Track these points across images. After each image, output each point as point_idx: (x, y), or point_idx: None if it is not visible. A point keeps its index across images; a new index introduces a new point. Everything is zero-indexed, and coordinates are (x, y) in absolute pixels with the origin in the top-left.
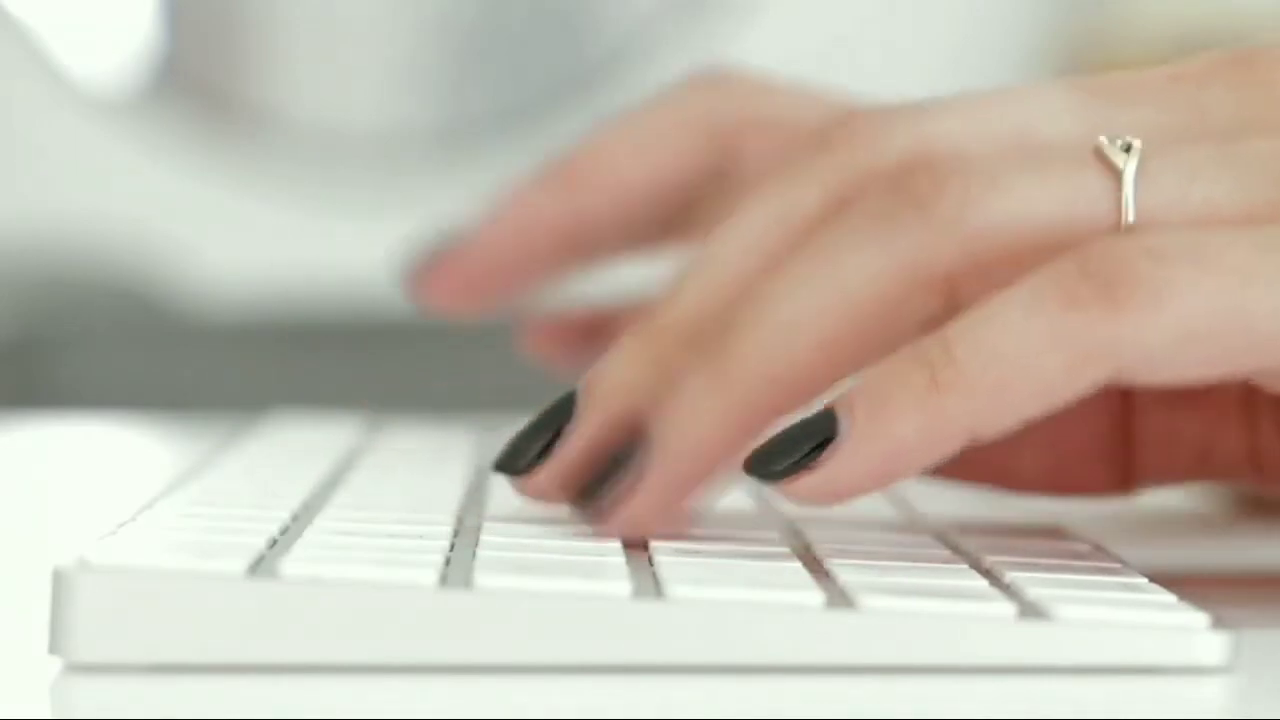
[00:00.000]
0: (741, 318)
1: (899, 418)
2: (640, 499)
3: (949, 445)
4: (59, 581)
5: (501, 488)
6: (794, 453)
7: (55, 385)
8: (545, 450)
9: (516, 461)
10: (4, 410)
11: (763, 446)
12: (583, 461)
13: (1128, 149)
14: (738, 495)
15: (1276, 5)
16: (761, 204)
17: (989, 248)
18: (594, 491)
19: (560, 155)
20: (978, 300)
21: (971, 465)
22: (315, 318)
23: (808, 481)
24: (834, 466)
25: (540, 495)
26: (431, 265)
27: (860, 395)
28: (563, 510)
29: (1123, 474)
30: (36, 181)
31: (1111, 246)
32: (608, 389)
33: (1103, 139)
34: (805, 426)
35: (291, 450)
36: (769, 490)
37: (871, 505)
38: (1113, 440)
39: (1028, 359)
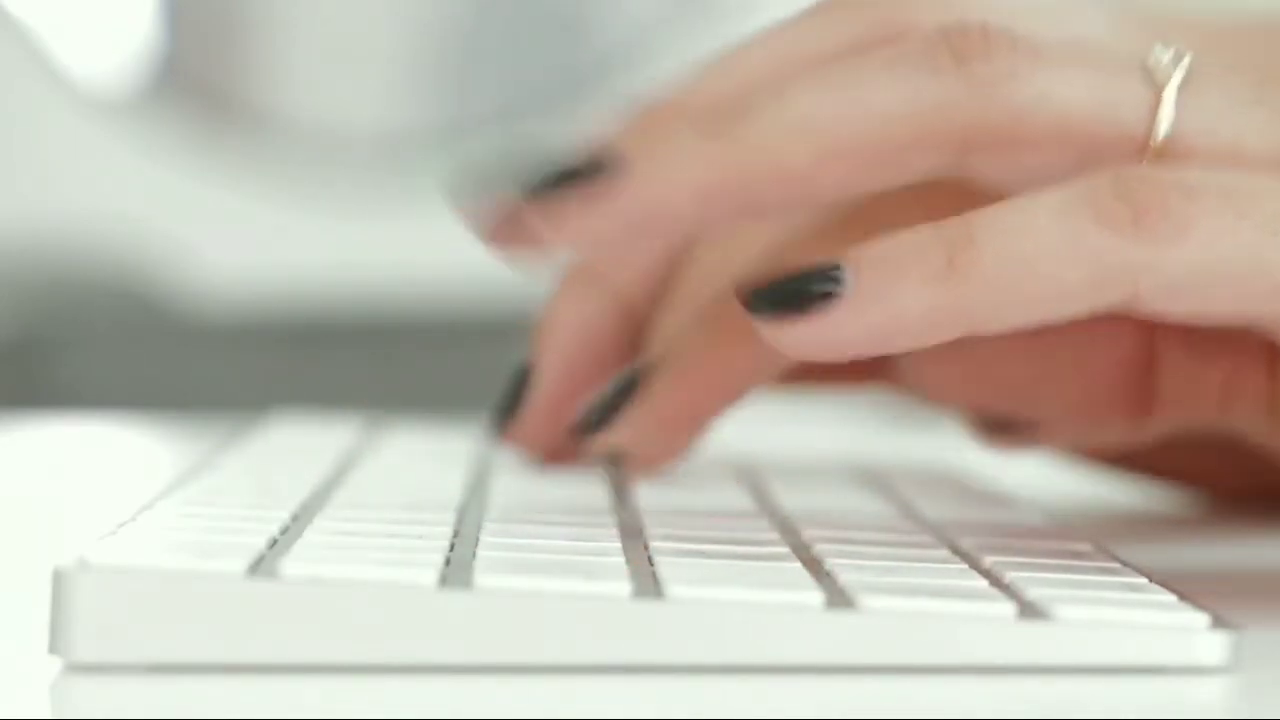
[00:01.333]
0: (756, 100)
1: (907, 290)
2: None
3: (948, 331)
4: (59, 581)
5: (502, 488)
6: (793, 295)
7: (55, 385)
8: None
9: (541, 194)
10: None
11: (762, 280)
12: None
13: (1178, 61)
14: (738, 495)
15: None
16: (794, 26)
17: (1014, 124)
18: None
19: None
20: (986, 174)
21: (988, 389)
22: (316, 318)
23: (799, 329)
24: (829, 321)
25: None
26: (513, 419)
27: (874, 256)
28: (562, 510)
29: (1141, 406)
30: (36, 181)
31: (1148, 174)
32: (648, 169)
33: (1154, 51)
34: (810, 272)
35: (291, 450)
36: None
37: (872, 505)
38: (1139, 364)
39: (1048, 264)
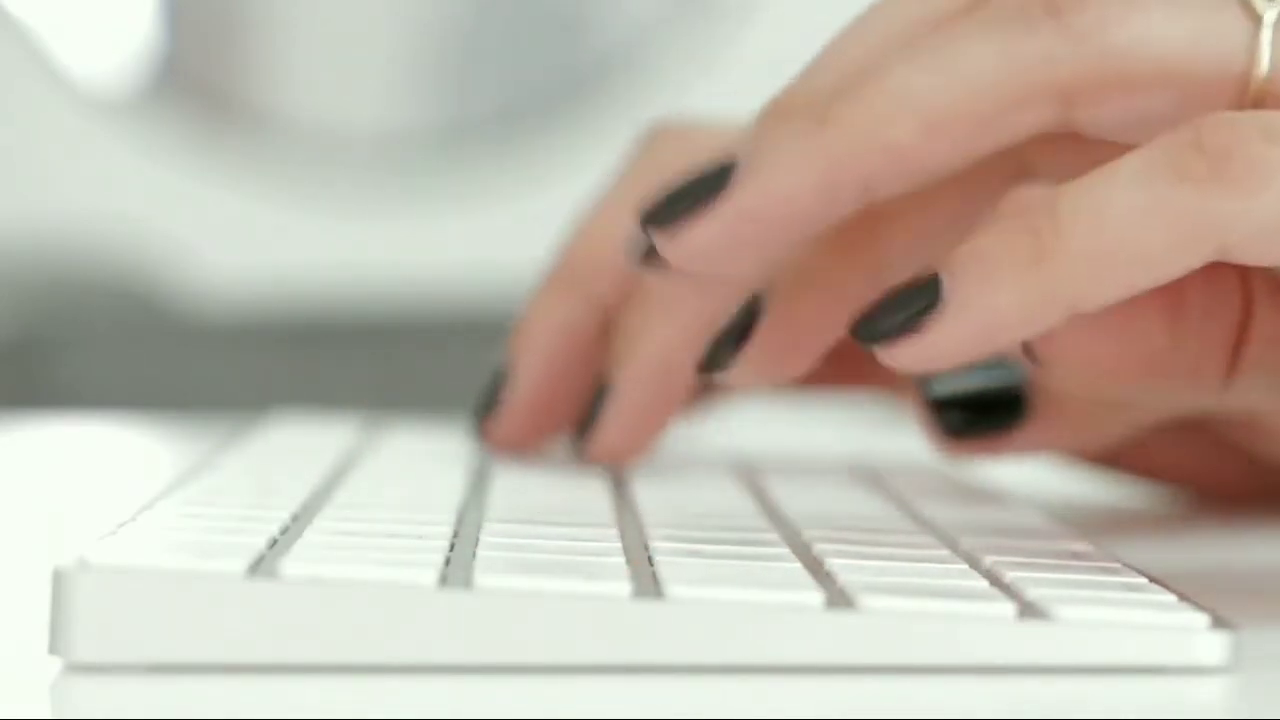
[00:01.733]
0: (852, 84)
1: (1002, 287)
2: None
3: (1051, 317)
4: (59, 581)
5: (502, 488)
6: (898, 315)
7: (55, 385)
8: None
9: (664, 216)
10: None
11: (868, 308)
12: (746, 231)
13: (1267, 2)
14: (738, 495)
15: None
16: (887, 4)
17: (1115, 69)
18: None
19: (555, 261)
20: (1092, 123)
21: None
22: (315, 318)
23: (910, 346)
24: (936, 333)
25: (682, 259)
26: (490, 417)
27: (964, 260)
28: (562, 510)
29: (1229, 371)
30: (36, 181)
31: (1228, 122)
32: (769, 165)
33: None
34: (909, 289)
35: (291, 450)
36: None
37: (872, 505)
38: (1225, 333)
39: (1133, 230)
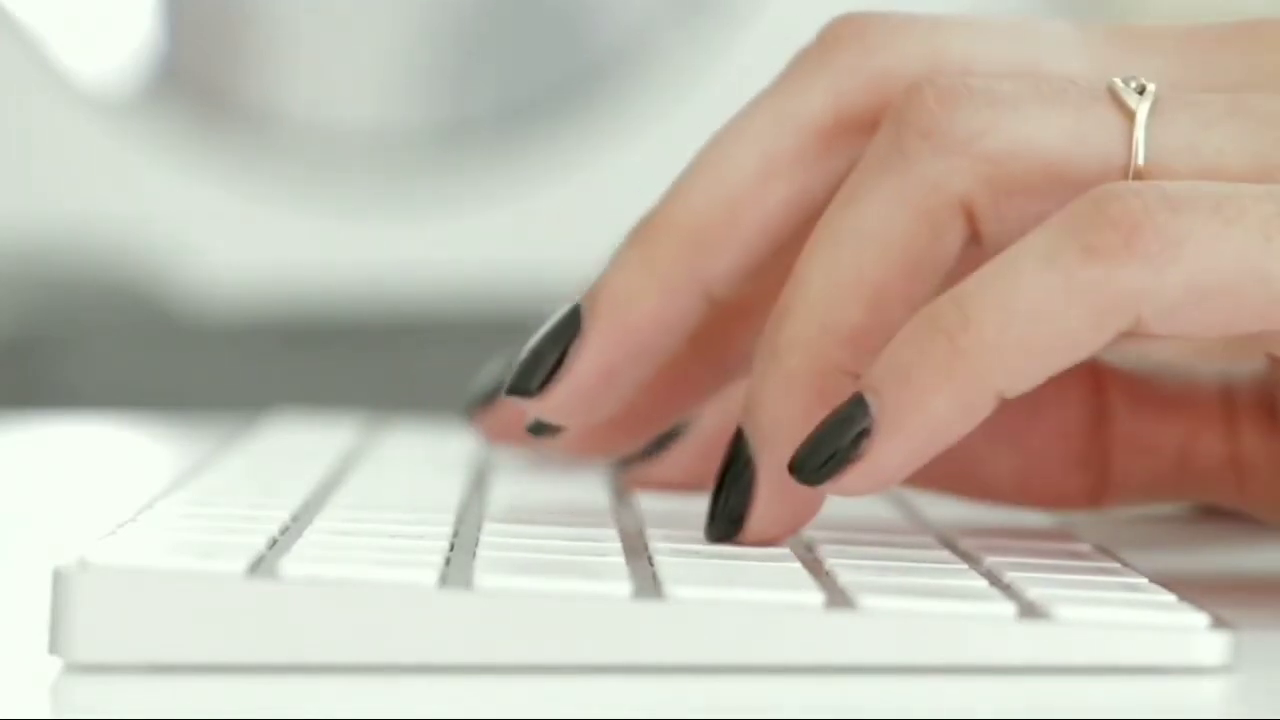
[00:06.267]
0: (785, 301)
1: (926, 392)
2: (762, 505)
3: (982, 409)
4: (59, 581)
5: (502, 487)
6: (833, 449)
7: (55, 385)
8: (555, 369)
9: (529, 382)
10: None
11: (802, 449)
12: (595, 381)
13: (1141, 91)
14: None
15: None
16: (768, 107)
17: (1001, 173)
18: (721, 511)
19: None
20: (994, 231)
21: (937, 471)
22: (315, 318)
23: (854, 475)
24: (875, 454)
25: (556, 416)
26: (487, 407)
27: (884, 374)
28: (562, 510)
29: (1097, 483)
30: (36, 181)
31: (1130, 193)
32: (610, 300)
33: (1117, 80)
34: (838, 420)
35: (291, 450)
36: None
37: (871, 505)
38: (1086, 445)
39: (1047, 314)
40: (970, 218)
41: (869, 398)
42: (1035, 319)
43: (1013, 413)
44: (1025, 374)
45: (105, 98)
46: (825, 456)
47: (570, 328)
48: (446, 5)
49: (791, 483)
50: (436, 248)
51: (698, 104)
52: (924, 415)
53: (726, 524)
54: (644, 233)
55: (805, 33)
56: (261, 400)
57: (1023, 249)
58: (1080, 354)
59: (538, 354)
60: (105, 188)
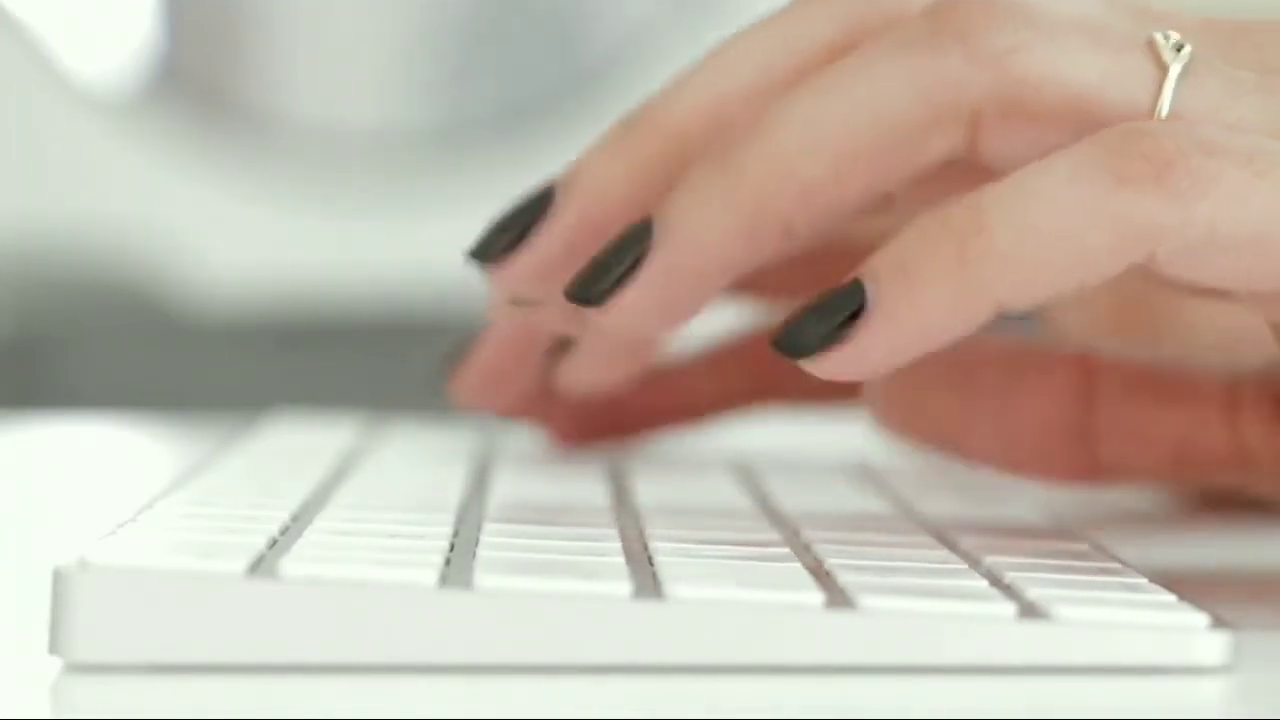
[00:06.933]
0: (759, 122)
1: (927, 289)
2: (638, 293)
3: (978, 317)
4: (59, 581)
5: (502, 487)
6: (823, 326)
7: (55, 385)
8: (519, 241)
9: (489, 250)
10: (4, 410)
11: (790, 319)
12: (558, 256)
13: (1178, 50)
14: (738, 495)
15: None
16: (774, 24)
17: (1024, 96)
18: (591, 281)
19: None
20: (997, 150)
21: (922, 424)
22: (315, 318)
23: (838, 356)
24: (863, 340)
25: (512, 285)
26: (457, 366)
27: (887, 264)
28: (562, 510)
29: (1087, 462)
30: (36, 181)
31: (1164, 131)
32: (587, 182)
33: (1158, 33)
34: (832, 298)
35: (291, 450)
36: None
37: (872, 505)
38: (1072, 427)
39: (1066, 231)
40: (971, 130)
41: (866, 282)
42: (1052, 235)
43: (994, 374)
44: (1030, 289)
45: (105, 98)
46: (812, 333)
47: (540, 204)
48: (446, 6)
49: (667, 290)
50: (436, 248)
51: None
52: (919, 310)
53: (592, 298)
54: (626, 125)
55: None
56: (261, 400)
57: (1048, 166)
58: (1089, 278)
59: (503, 224)
60: (105, 188)
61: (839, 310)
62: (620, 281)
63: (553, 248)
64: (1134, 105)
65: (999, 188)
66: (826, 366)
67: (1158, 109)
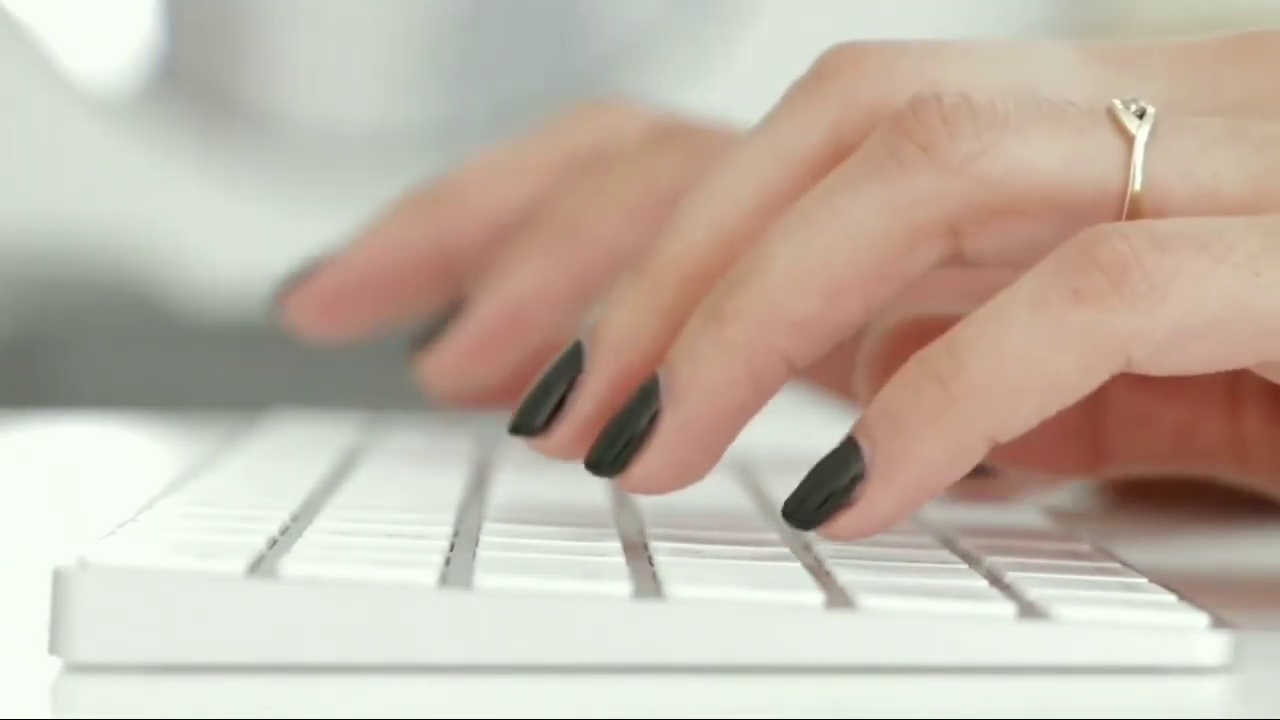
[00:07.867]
0: (744, 268)
1: (919, 438)
2: (654, 456)
3: (974, 455)
4: (59, 581)
5: (502, 487)
6: (825, 493)
7: (55, 385)
8: (559, 406)
9: (532, 421)
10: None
11: (795, 493)
12: (597, 418)
13: (1141, 114)
14: (738, 495)
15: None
16: (764, 137)
17: (997, 198)
18: (607, 448)
19: (428, 181)
20: (982, 250)
21: None
22: None
23: (846, 520)
24: (868, 500)
25: (559, 454)
26: (296, 288)
27: (877, 421)
28: (562, 510)
29: (1092, 454)
30: (36, 181)
31: (1118, 234)
32: (615, 338)
33: (1116, 102)
34: (831, 464)
35: (291, 450)
36: (810, 534)
37: None
38: (1082, 419)
39: (1039, 359)
40: (953, 238)
41: (862, 443)
42: (1026, 364)
43: None
44: (1016, 418)
45: (105, 98)
46: (819, 501)
47: (572, 365)
48: (446, 6)
49: (684, 447)
50: None
51: (696, 106)
52: (916, 463)
53: (610, 466)
54: (644, 270)
55: (804, 35)
56: (261, 400)
57: (1013, 294)
58: (1072, 397)
59: (542, 391)
60: (105, 188)
61: (840, 476)
62: (638, 445)
63: (588, 411)
64: (1105, 184)
65: (969, 325)
66: (838, 531)
67: (1129, 183)
